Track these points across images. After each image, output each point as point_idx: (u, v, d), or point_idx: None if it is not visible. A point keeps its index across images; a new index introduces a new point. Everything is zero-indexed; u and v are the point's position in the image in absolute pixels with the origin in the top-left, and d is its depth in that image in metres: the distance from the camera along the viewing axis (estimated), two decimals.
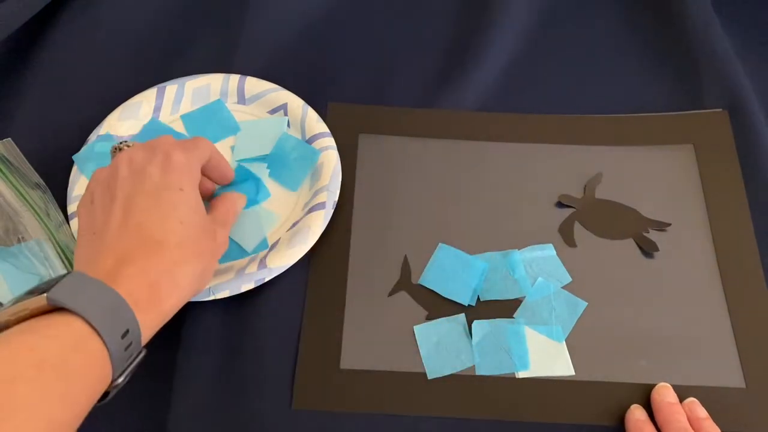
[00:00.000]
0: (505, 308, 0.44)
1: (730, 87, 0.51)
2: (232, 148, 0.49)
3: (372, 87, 0.53)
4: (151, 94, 0.50)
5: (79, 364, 0.29)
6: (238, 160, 0.48)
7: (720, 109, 0.51)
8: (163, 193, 0.36)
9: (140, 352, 0.33)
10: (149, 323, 0.32)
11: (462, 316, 0.43)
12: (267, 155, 0.48)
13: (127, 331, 0.31)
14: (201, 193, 0.39)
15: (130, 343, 0.31)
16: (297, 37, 0.56)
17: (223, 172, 0.43)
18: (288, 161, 0.48)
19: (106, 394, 0.31)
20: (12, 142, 0.49)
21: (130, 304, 0.31)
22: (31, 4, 0.55)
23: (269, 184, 0.48)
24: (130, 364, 0.32)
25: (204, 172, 0.41)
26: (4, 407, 0.25)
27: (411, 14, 0.58)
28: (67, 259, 0.44)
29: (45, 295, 0.29)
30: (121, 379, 0.31)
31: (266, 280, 0.43)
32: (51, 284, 0.30)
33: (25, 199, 0.46)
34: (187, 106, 0.51)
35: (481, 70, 0.53)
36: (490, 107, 0.52)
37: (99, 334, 0.29)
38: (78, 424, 0.29)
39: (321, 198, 0.45)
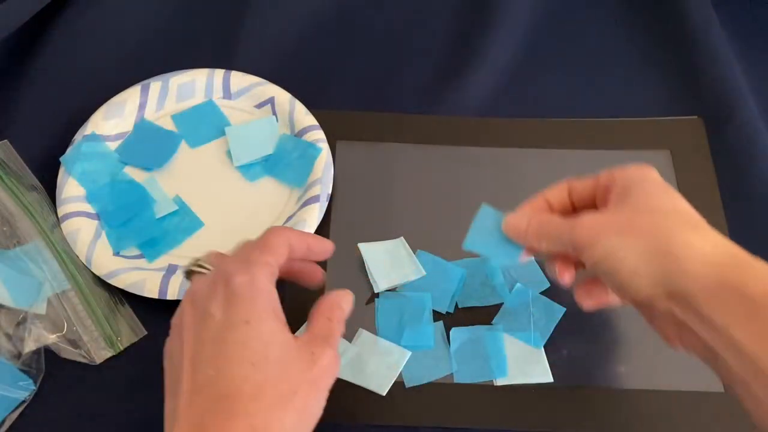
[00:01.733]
0: (484, 315, 0.43)
1: (729, 90, 0.52)
2: (228, 152, 0.49)
3: (369, 92, 0.53)
4: (134, 91, 0.50)
5: None
6: (238, 166, 0.48)
7: (696, 116, 0.52)
8: (226, 334, 0.30)
9: None
10: None
11: (440, 324, 0.43)
12: (269, 156, 0.48)
13: None
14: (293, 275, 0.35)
15: None
16: (297, 39, 0.57)
17: (318, 251, 0.36)
18: (290, 160, 0.48)
19: None
20: (9, 144, 0.49)
21: None
22: (30, 5, 0.55)
23: (269, 183, 0.48)
24: None
25: (296, 261, 0.35)
26: None
27: (411, 15, 0.58)
28: (64, 261, 0.44)
29: None
30: None
31: None
32: None
33: (21, 201, 0.46)
34: (172, 103, 0.51)
35: (477, 76, 0.53)
36: (477, 112, 0.52)
37: None
38: None
39: (314, 191, 0.45)
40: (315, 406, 0.31)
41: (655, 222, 0.32)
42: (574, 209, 0.38)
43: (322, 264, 0.45)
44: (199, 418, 0.28)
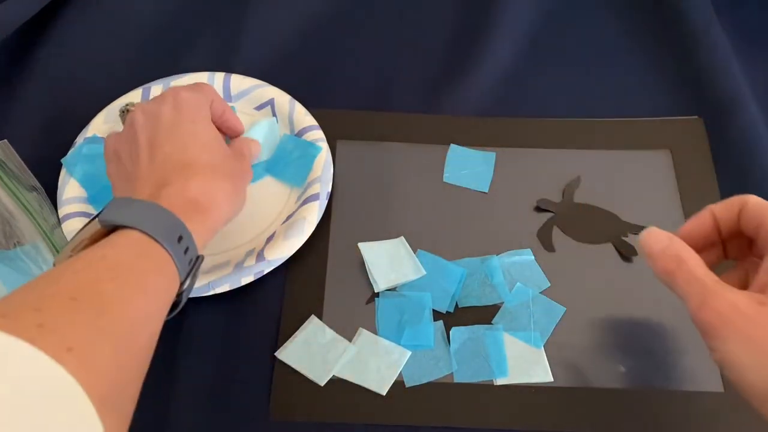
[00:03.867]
0: (484, 314, 0.43)
1: (729, 90, 0.52)
2: None
3: (370, 91, 0.53)
4: (135, 94, 0.50)
5: (148, 266, 0.31)
6: None
7: (696, 116, 0.52)
8: (179, 127, 0.38)
9: (198, 258, 0.35)
10: (198, 234, 0.34)
11: (440, 323, 0.43)
12: (269, 158, 0.49)
13: (181, 236, 0.33)
14: None
15: (187, 248, 0.33)
16: (297, 39, 0.57)
17: (231, 124, 0.44)
18: (291, 160, 0.48)
19: (176, 304, 0.33)
20: (8, 144, 0.49)
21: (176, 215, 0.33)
22: (30, 5, 0.55)
23: (269, 182, 0.48)
24: (192, 268, 0.34)
25: (215, 123, 0.42)
26: (95, 302, 0.27)
27: (410, 15, 0.58)
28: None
29: (97, 219, 0.32)
30: (187, 282, 0.33)
31: (265, 272, 0.43)
32: (96, 216, 0.32)
33: (21, 201, 0.46)
34: None
35: (477, 76, 0.53)
36: (477, 112, 0.52)
37: (157, 241, 0.31)
38: (163, 318, 0.31)
39: (314, 189, 0.46)
40: (242, 192, 0.40)
41: None
42: (740, 233, 0.33)
43: (323, 264, 0.45)
44: (161, 178, 0.35)
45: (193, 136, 0.38)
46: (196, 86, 0.42)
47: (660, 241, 0.32)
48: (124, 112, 0.46)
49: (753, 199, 0.32)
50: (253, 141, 0.45)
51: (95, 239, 0.32)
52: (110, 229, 0.32)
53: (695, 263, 0.31)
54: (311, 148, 0.48)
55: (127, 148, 0.39)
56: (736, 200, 0.33)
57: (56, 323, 0.25)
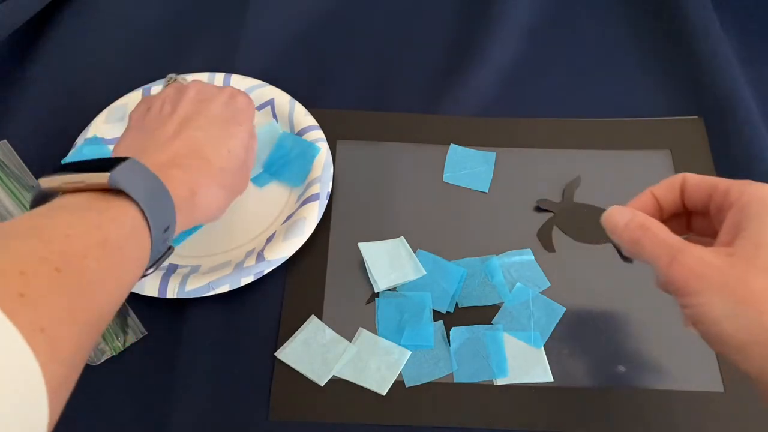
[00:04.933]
0: (484, 314, 0.43)
1: (729, 90, 0.52)
2: None
3: (370, 91, 0.53)
4: (136, 95, 0.50)
5: (131, 249, 0.30)
6: (251, 178, 0.48)
7: (696, 116, 0.52)
8: (222, 122, 0.39)
9: (168, 250, 0.34)
10: (179, 226, 0.34)
11: (440, 323, 0.43)
12: (268, 155, 0.49)
13: (168, 227, 0.32)
14: None
15: (166, 239, 0.33)
16: (297, 39, 0.57)
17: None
18: (289, 159, 0.48)
19: None
20: (8, 144, 0.49)
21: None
22: (30, 5, 0.55)
23: (270, 182, 0.48)
24: (160, 258, 0.34)
25: None
26: (78, 279, 0.26)
27: (410, 15, 0.58)
28: None
29: (108, 174, 0.30)
30: (150, 271, 0.33)
31: (265, 272, 0.43)
32: (103, 164, 0.30)
33: (20, 201, 0.46)
34: None
35: (477, 76, 0.53)
36: (477, 112, 0.52)
37: (149, 226, 0.31)
38: (120, 305, 0.30)
39: (314, 189, 0.46)
40: (228, 203, 0.39)
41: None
42: (685, 210, 0.34)
43: (323, 264, 0.45)
44: (177, 155, 0.36)
45: (228, 137, 0.38)
46: (248, 96, 0.42)
47: (623, 214, 0.32)
48: (172, 80, 0.48)
49: (691, 176, 0.33)
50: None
51: (95, 188, 0.30)
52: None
53: (660, 228, 0.31)
54: (310, 148, 0.48)
55: (160, 107, 0.39)
56: (675, 179, 0.34)
57: (37, 296, 0.24)
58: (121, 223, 0.30)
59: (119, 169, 0.30)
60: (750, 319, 0.27)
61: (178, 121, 0.38)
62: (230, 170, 0.38)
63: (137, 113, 0.41)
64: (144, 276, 0.32)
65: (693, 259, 0.29)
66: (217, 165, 0.37)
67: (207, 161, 0.36)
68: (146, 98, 0.41)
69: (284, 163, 0.48)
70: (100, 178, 0.30)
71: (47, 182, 0.31)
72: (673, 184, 0.34)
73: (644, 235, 0.31)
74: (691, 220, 0.35)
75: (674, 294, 0.30)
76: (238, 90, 0.42)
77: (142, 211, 0.30)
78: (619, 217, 0.33)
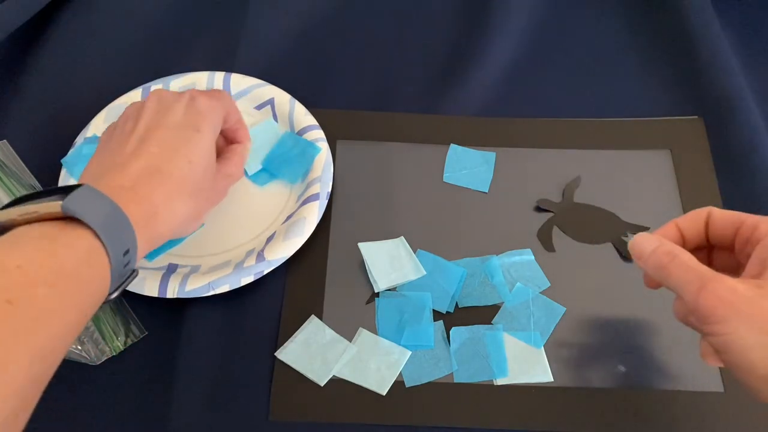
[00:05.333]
0: (484, 314, 0.43)
1: (729, 90, 0.52)
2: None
3: (370, 91, 0.53)
4: (135, 95, 0.50)
5: (89, 276, 0.30)
6: (251, 176, 0.48)
7: (696, 116, 0.52)
8: (181, 130, 0.38)
9: (132, 273, 0.34)
10: (142, 246, 0.34)
11: (440, 323, 0.43)
12: (267, 154, 0.49)
13: (128, 250, 0.32)
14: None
15: (128, 263, 0.32)
16: (297, 39, 0.57)
17: (240, 135, 0.44)
18: (289, 157, 0.48)
19: None
20: (7, 144, 0.49)
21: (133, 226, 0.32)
22: (30, 5, 0.55)
23: (270, 182, 0.48)
24: (123, 282, 0.33)
25: (223, 129, 0.42)
26: (29, 311, 0.26)
27: (410, 15, 0.58)
28: None
29: (60, 203, 0.30)
30: (114, 295, 0.32)
31: (265, 272, 0.43)
32: (54, 192, 0.31)
33: None
34: None
35: (477, 76, 0.53)
36: (477, 112, 0.52)
37: (106, 251, 0.31)
38: (80, 331, 0.30)
39: (314, 189, 0.46)
40: (202, 213, 0.39)
41: None
42: (709, 245, 0.35)
43: (323, 264, 0.45)
44: (135, 177, 0.35)
45: (185, 144, 0.37)
46: (215, 93, 0.41)
47: (651, 242, 0.33)
48: None
49: (717, 210, 0.34)
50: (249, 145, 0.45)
51: (48, 218, 0.31)
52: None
53: (688, 256, 0.31)
54: (310, 148, 0.48)
55: (123, 125, 0.39)
56: (701, 212, 0.34)
57: None
58: (76, 249, 0.30)
59: (72, 197, 0.30)
60: None
61: (137, 138, 0.37)
62: (194, 180, 0.37)
63: (105, 134, 0.40)
64: (107, 301, 0.32)
65: (723, 287, 0.29)
66: (178, 178, 0.36)
67: (167, 176, 0.36)
68: (122, 115, 0.40)
69: (283, 161, 0.48)
70: (53, 207, 0.30)
71: (2, 215, 0.31)
72: (698, 217, 0.34)
73: (672, 262, 0.31)
74: (713, 255, 0.35)
75: (699, 323, 0.30)
76: (199, 91, 0.41)
77: (99, 237, 0.30)
78: (647, 243, 0.33)
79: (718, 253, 0.35)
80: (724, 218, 0.33)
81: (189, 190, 0.37)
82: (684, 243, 0.35)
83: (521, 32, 0.57)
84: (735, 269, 0.33)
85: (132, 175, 0.35)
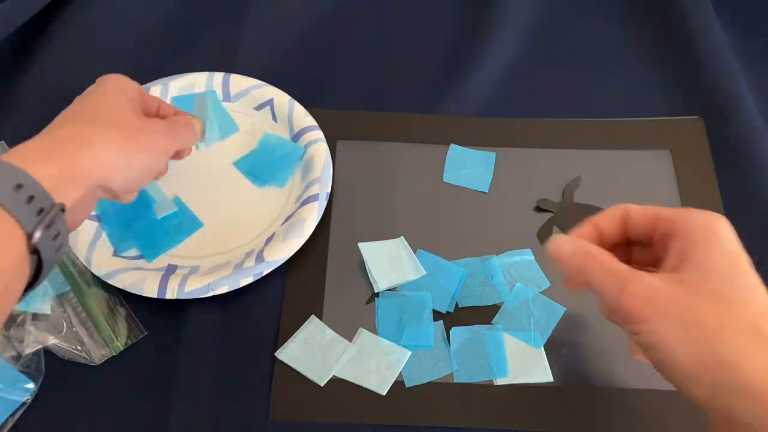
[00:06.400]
0: (484, 314, 0.43)
1: (729, 90, 0.52)
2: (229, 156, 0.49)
3: (370, 91, 0.53)
4: None
5: None
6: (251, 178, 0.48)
7: (696, 116, 0.52)
8: (98, 90, 0.37)
9: (53, 206, 0.30)
10: (61, 179, 0.30)
11: (440, 323, 0.43)
12: (249, 153, 0.49)
13: (20, 185, 0.28)
14: None
15: (32, 197, 0.29)
16: (297, 39, 0.57)
17: (165, 112, 0.42)
18: (272, 159, 0.48)
19: (39, 267, 0.30)
20: (5, 145, 0.49)
21: (19, 162, 0.29)
22: (30, 5, 0.55)
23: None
24: (45, 218, 0.29)
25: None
26: None
27: (411, 15, 0.58)
28: (63, 262, 0.44)
29: None
30: (38, 234, 0.29)
31: (265, 273, 0.43)
32: None
33: None
34: None
35: (477, 76, 0.53)
36: (477, 112, 0.52)
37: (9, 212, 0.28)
38: (15, 291, 0.28)
39: (314, 190, 0.46)
40: (142, 151, 0.36)
41: (718, 316, 0.27)
42: (627, 241, 0.34)
43: (323, 264, 0.45)
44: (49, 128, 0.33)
45: (102, 97, 0.36)
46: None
47: (568, 243, 0.33)
48: None
49: (634, 206, 0.34)
50: (194, 117, 0.43)
51: None
52: None
53: (607, 256, 0.31)
54: (294, 149, 0.48)
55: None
56: (617, 209, 0.34)
57: None
58: None
59: None
60: (700, 346, 0.27)
61: (75, 104, 0.36)
62: (113, 115, 0.35)
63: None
64: (35, 242, 0.29)
65: (643, 286, 0.29)
66: (88, 113, 0.35)
67: (74, 115, 0.35)
68: None
69: (266, 163, 0.48)
70: None
71: None
72: (616, 214, 0.34)
73: (591, 263, 0.31)
74: (632, 251, 0.35)
75: (622, 322, 0.30)
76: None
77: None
78: (565, 246, 0.33)
79: (638, 249, 0.35)
80: (641, 214, 0.33)
81: (105, 119, 0.35)
82: (602, 241, 0.34)
83: (521, 32, 0.57)
84: (654, 263, 0.32)
85: (49, 134, 0.33)
